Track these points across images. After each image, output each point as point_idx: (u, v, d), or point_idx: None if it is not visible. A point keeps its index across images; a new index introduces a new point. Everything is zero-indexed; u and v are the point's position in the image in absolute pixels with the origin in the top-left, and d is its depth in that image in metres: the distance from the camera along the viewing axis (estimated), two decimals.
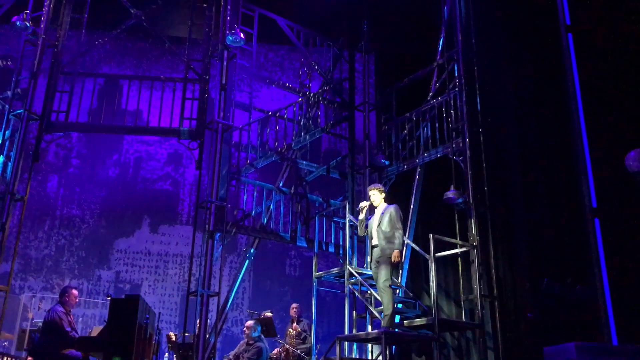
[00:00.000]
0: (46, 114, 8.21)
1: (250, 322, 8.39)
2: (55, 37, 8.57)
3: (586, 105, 7.42)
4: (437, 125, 8.60)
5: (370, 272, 7.19)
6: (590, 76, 7.48)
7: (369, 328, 7.76)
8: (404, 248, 8.56)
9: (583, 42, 7.65)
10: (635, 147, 6.10)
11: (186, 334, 7.68)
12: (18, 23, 7.87)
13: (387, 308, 6.55)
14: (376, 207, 7.13)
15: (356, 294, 7.65)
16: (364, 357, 8.11)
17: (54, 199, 12.25)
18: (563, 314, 6.74)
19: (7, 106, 7.92)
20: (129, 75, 9.60)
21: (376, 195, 7.13)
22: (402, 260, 8.52)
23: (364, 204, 7.16)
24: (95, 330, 7.83)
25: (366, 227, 7.08)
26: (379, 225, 6.86)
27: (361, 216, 7.13)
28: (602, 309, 6.54)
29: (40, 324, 7.49)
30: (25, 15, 7.94)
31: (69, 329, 6.71)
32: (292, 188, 9.15)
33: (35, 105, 8.10)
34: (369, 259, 6.98)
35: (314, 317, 8.11)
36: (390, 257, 6.68)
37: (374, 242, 6.87)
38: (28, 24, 7.94)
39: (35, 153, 8.08)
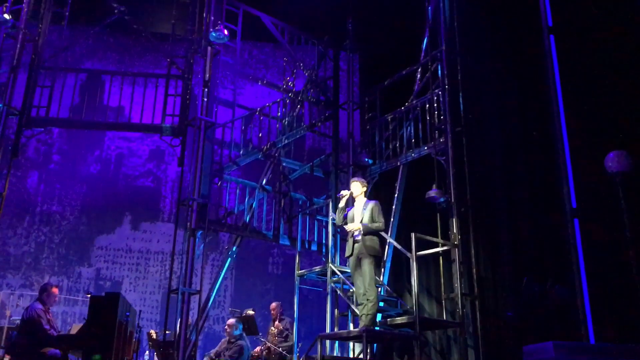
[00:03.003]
0: (26, 109, 8.11)
1: (231, 320, 8.37)
2: (36, 31, 8.46)
3: (567, 106, 7.50)
4: (420, 124, 8.65)
5: None
6: (571, 78, 7.56)
7: (351, 326, 7.79)
8: (387, 246, 8.63)
9: (564, 44, 7.73)
10: (615, 148, 6.18)
11: (167, 332, 7.63)
12: None
13: (372, 308, 6.54)
14: (355, 199, 7.11)
15: (338, 292, 7.67)
16: (345, 355, 8.14)
17: (33, 195, 12.09)
18: (542, 313, 6.81)
19: None
20: (111, 71, 9.50)
21: (357, 187, 7.10)
22: (385, 258, 8.59)
23: (345, 192, 7.14)
24: (75, 328, 7.75)
25: (345, 217, 7.08)
26: (360, 220, 6.85)
27: (341, 204, 7.11)
28: (581, 308, 6.63)
29: (19, 321, 7.40)
30: (4, 8, 7.83)
31: (47, 326, 6.62)
32: (276, 186, 9.13)
33: (15, 100, 7.99)
34: (348, 253, 6.94)
35: (296, 315, 8.11)
36: (373, 254, 6.67)
37: (356, 237, 6.82)
38: (8, 17, 7.83)
39: (15, 148, 7.97)
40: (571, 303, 6.71)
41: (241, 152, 8.77)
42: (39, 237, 11.88)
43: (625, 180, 6.09)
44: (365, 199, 7.12)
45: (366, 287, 6.58)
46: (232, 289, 12.24)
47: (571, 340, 6.30)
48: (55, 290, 7.06)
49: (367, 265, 6.63)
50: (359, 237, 6.77)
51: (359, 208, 7.00)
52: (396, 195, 8.99)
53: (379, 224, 6.83)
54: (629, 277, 5.98)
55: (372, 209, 6.87)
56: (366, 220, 6.82)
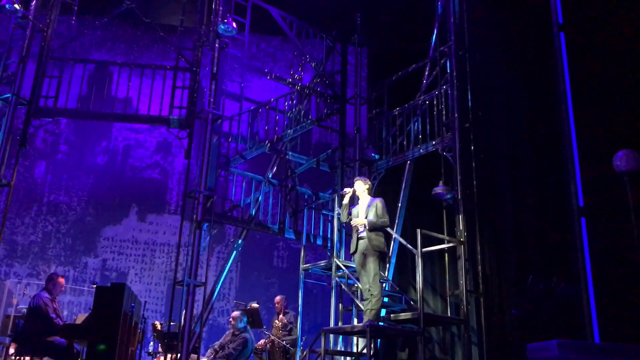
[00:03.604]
0: (34, 99, 8.12)
1: (236, 313, 8.39)
2: (45, 22, 8.47)
3: (576, 104, 7.45)
4: (427, 120, 8.62)
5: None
6: (580, 75, 7.51)
7: (355, 321, 7.79)
8: (392, 242, 8.62)
9: (575, 41, 7.67)
10: (624, 147, 6.14)
11: (172, 323, 7.66)
12: (7, 6, 7.76)
13: (376, 303, 6.57)
14: (359, 197, 7.16)
15: (343, 286, 7.67)
16: (349, 350, 8.15)
17: (41, 185, 12.15)
18: (547, 311, 6.80)
19: None
20: (120, 62, 9.47)
21: (360, 186, 7.17)
22: (390, 254, 8.59)
23: (348, 190, 7.20)
24: (80, 318, 7.78)
25: (349, 214, 7.10)
26: (365, 217, 6.87)
27: (345, 201, 7.14)
28: (586, 307, 6.60)
29: (25, 310, 7.45)
30: None
31: (53, 315, 6.67)
32: (282, 180, 9.14)
33: (23, 90, 8.00)
34: (352, 250, 6.97)
35: (300, 309, 8.13)
36: (379, 250, 6.71)
37: (361, 233, 6.88)
38: (18, 7, 7.83)
39: (23, 138, 7.99)
40: (576, 302, 6.69)
41: (248, 145, 8.77)
42: (46, 227, 11.94)
43: (633, 180, 6.05)
44: (370, 197, 7.17)
45: (370, 283, 6.61)
46: (237, 281, 12.28)
47: (576, 339, 6.29)
48: (61, 280, 7.11)
49: (371, 262, 6.67)
50: (364, 234, 6.79)
51: (363, 206, 7.04)
52: (402, 191, 8.97)
53: (385, 219, 6.84)
54: (634, 277, 5.95)
55: (376, 206, 6.92)
56: (371, 217, 6.84)
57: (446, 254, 7.89)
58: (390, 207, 8.12)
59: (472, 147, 7.98)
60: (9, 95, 7.76)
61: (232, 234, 12.01)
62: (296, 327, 8.64)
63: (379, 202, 6.96)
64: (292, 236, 8.90)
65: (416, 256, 7.12)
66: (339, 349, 8.17)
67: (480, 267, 7.54)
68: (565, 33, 7.74)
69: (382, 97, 9.70)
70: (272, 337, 8.68)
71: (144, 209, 12.38)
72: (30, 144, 11.65)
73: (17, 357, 6.80)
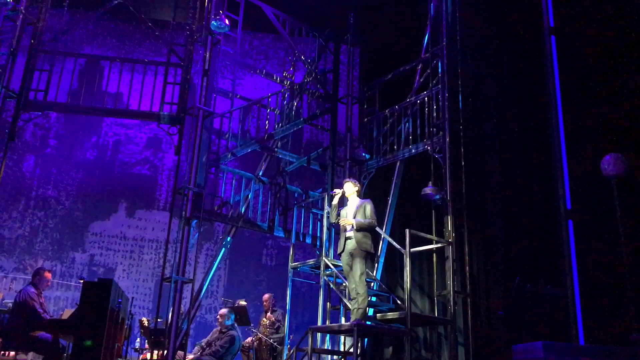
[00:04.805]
0: (24, 92, 8.07)
1: (223, 310, 8.37)
2: (36, 15, 8.41)
3: (565, 107, 7.50)
4: (418, 121, 8.64)
5: None
6: (570, 79, 7.56)
7: (342, 320, 7.81)
8: (381, 242, 8.65)
9: (565, 45, 7.72)
10: (612, 151, 6.19)
11: (159, 320, 7.65)
12: None
13: (362, 302, 6.60)
14: (348, 199, 7.19)
15: (331, 285, 7.69)
16: (336, 348, 8.17)
17: (29, 179, 12.08)
18: (533, 313, 6.84)
19: None
20: (111, 57, 9.44)
21: (350, 187, 7.19)
22: (378, 253, 8.62)
23: (338, 191, 7.22)
24: (67, 313, 7.75)
25: (338, 215, 7.12)
26: (354, 217, 6.90)
27: (335, 201, 7.17)
28: (571, 309, 6.66)
29: (11, 304, 7.41)
30: None
31: (40, 310, 6.63)
32: (272, 178, 9.14)
33: (13, 83, 7.96)
34: (339, 250, 7.00)
35: (288, 307, 8.13)
36: (366, 250, 6.75)
37: (348, 233, 6.91)
38: (8, 0, 7.78)
39: (12, 131, 7.93)
40: (562, 304, 6.73)
41: (238, 142, 8.75)
42: (33, 221, 11.87)
43: (620, 183, 6.10)
44: (359, 199, 7.19)
45: (356, 282, 6.65)
46: (225, 279, 12.26)
47: (561, 340, 6.33)
48: (48, 274, 7.06)
49: (358, 262, 6.70)
50: (351, 234, 6.82)
51: (351, 207, 7.07)
52: (392, 190, 8.99)
53: (372, 220, 6.88)
54: (620, 279, 6.00)
55: (365, 208, 6.96)
56: (359, 217, 6.87)
57: (434, 254, 7.92)
58: (379, 207, 8.15)
59: (462, 149, 8.02)
60: None
61: (221, 231, 12.00)
62: (284, 325, 8.65)
63: (367, 204, 7.00)
64: (282, 234, 8.90)
65: (404, 256, 7.15)
66: (326, 347, 8.19)
67: (467, 267, 7.57)
68: (556, 36, 7.79)
69: (373, 97, 9.71)
70: (260, 335, 8.68)
71: (133, 205, 12.34)
72: (19, 138, 11.59)
73: (2, 352, 6.76)
